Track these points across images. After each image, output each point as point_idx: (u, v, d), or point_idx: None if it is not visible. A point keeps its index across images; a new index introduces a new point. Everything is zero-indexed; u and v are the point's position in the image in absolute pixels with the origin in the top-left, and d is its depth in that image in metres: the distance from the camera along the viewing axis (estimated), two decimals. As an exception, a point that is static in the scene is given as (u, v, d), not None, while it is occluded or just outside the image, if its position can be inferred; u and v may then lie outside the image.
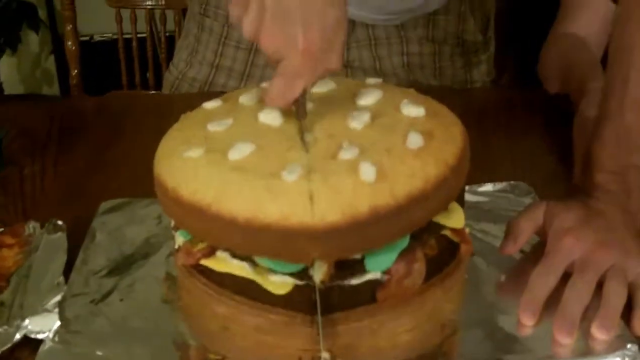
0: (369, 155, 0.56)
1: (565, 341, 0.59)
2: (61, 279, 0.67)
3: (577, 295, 0.62)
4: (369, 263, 0.57)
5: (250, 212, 0.53)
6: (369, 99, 0.64)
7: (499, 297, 0.65)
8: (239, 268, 0.59)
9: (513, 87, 1.31)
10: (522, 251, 0.70)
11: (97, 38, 2.75)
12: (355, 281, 0.58)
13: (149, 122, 0.98)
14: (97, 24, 2.52)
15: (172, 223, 0.65)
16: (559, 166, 0.88)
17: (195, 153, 0.59)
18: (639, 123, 0.72)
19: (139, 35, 1.96)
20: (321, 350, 0.57)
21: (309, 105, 0.63)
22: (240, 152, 0.57)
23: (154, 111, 1.07)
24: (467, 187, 0.68)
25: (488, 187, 0.81)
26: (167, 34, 1.99)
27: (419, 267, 0.58)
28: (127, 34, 1.95)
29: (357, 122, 0.60)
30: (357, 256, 0.57)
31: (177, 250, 0.63)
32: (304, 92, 0.60)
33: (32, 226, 0.76)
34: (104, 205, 0.79)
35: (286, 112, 0.62)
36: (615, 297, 0.62)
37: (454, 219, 0.61)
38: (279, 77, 0.60)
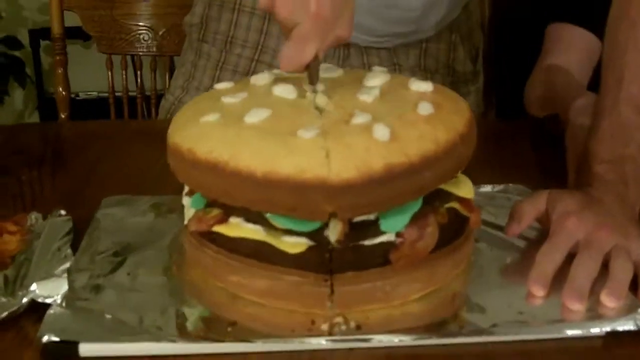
0: (380, 120, 0.58)
1: (576, 307, 0.60)
2: (69, 251, 0.67)
3: (585, 269, 0.63)
4: (383, 223, 0.57)
5: (267, 167, 0.54)
6: (377, 80, 0.66)
7: (505, 277, 0.65)
8: (253, 232, 0.59)
9: (500, 120, 1.35)
10: (526, 238, 0.72)
11: (82, 96, 2.77)
12: (368, 242, 0.58)
13: (140, 141, 1.01)
14: (85, 82, 2.55)
15: (185, 190, 0.65)
16: (549, 175, 0.90)
17: (211, 118, 0.60)
18: (633, 117, 0.75)
19: (130, 93, 1.97)
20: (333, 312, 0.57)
21: (320, 87, 0.64)
22: (256, 116, 0.59)
23: (145, 132, 1.10)
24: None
25: (487, 188, 0.83)
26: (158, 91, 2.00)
27: (432, 230, 0.59)
28: (118, 92, 1.96)
29: (367, 96, 0.62)
30: (371, 217, 0.58)
31: (189, 220, 0.63)
32: (316, 58, 0.62)
33: (34, 217, 0.76)
34: (106, 200, 0.80)
35: (299, 88, 0.64)
36: (622, 271, 0.63)
37: (464, 189, 0.63)
38: (291, 41, 0.63)
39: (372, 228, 0.58)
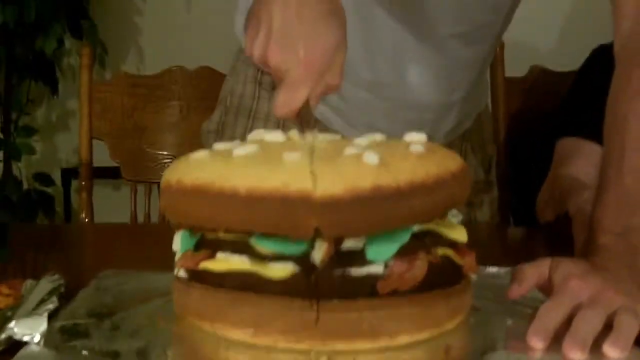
0: (371, 150, 0.58)
1: (577, 356, 0.56)
2: (55, 299, 0.65)
3: (587, 323, 0.60)
4: (370, 251, 0.56)
5: (251, 183, 0.54)
6: (371, 138, 0.66)
7: (505, 339, 0.62)
8: (239, 263, 0.58)
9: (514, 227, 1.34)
10: (530, 307, 0.68)
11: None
12: (355, 272, 0.56)
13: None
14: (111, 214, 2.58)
15: (176, 233, 0.64)
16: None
17: (200, 155, 0.61)
18: (637, 186, 0.73)
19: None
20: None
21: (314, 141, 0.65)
22: (244, 150, 0.59)
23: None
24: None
25: (493, 269, 0.81)
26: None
27: (421, 264, 0.57)
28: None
29: (361, 140, 0.62)
30: (358, 246, 0.56)
31: (178, 259, 0.62)
32: (307, 104, 0.63)
33: (29, 284, 0.75)
34: (102, 273, 0.79)
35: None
36: (628, 325, 0.60)
37: (457, 233, 0.61)
38: (283, 87, 0.65)
39: (359, 256, 0.56)
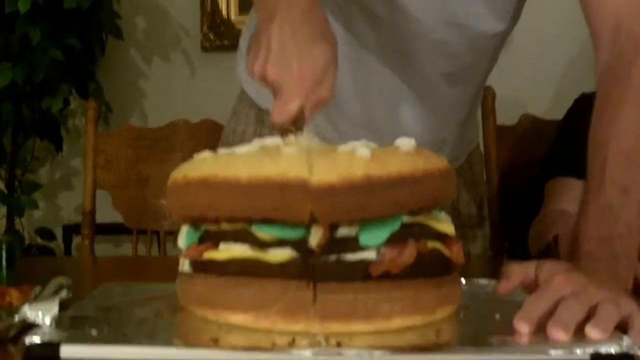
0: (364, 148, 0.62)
1: (560, 336, 0.59)
2: (65, 291, 0.69)
3: (570, 310, 0.63)
4: (362, 237, 0.60)
5: (251, 172, 0.59)
6: (364, 143, 0.71)
7: (492, 327, 0.65)
8: (240, 251, 0.61)
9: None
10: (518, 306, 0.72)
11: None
12: (350, 257, 0.60)
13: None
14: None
15: (181, 230, 0.68)
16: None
17: (204, 154, 0.66)
18: (618, 198, 0.77)
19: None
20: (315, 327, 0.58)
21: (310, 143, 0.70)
22: (245, 149, 0.64)
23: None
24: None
25: (483, 281, 0.84)
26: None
27: (410, 250, 0.60)
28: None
29: (354, 144, 0.67)
30: (352, 233, 0.60)
31: (183, 251, 0.66)
32: (302, 114, 0.71)
33: (38, 289, 0.79)
34: (107, 283, 0.82)
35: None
36: (609, 311, 0.63)
37: (444, 226, 0.65)
38: (278, 98, 0.74)
39: (352, 242, 0.60)
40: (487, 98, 1.57)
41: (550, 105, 2.39)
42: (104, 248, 2.46)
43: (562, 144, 1.37)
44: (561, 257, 0.89)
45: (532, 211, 1.29)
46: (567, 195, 1.24)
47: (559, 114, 1.51)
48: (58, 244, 2.58)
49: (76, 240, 2.56)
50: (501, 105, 1.62)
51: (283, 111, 0.73)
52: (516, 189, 1.52)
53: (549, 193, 1.29)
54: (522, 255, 1.26)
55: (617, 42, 0.87)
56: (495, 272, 1.18)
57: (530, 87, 2.50)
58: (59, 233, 2.59)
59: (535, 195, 1.34)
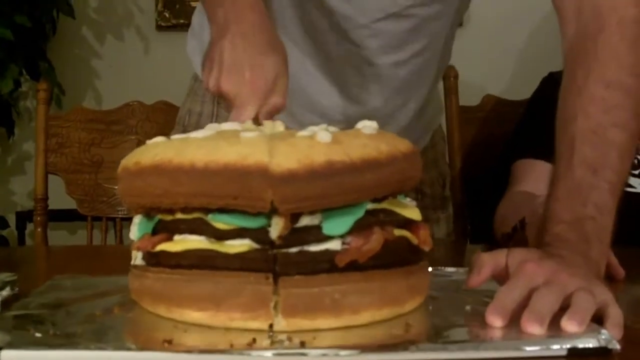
0: (325, 132, 0.59)
1: (535, 330, 0.57)
2: (9, 288, 0.64)
3: (544, 300, 0.61)
4: (326, 226, 0.56)
5: (208, 157, 0.55)
6: (324, 127, 0.67)
7: (464, 318, 0.62)
8: (196, 242, 0.57)
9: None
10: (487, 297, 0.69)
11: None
12: (314, 248, 0.56)
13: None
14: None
15: (133, 220, 0.64)
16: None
17: (157, 139, 0.61)
18: (587, 178, 0.75)
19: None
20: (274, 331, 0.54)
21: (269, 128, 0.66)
22: (201, 133, 0.60)
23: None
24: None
25: (451, 269, 0.81)
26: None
27: (377, 237, 0.57)
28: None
29: (314, 128, 0.63)
30: (315, 222, 0.57)
31: (134, 242, 0.62)
32: (257, 120, 0.72)
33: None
34: (57, 276, 0.78)
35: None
36: (584, 301, 0.60)
37: (411, 212, 0.62)
38: (234, 107, 0.76)
39: (316, 232, 0.56)
40: (449, 78, 1.54)
41: (512, 85, 2.37)
42: (58, 235, 2.39)
43: (528, 125, 1.35)
44: (529, 241, 0.86)
45: (495, 193, 1.27)
46: (533, 178, 1.22)
47: (521, 94, 1.49)
48: (11, 231, 2.50)
49: (30, 227, 2.49)
50: (464, 86, 1.59)
51: (238, 119, 0.74)
52: (479, 171, 1.50)
53: (515, 175, 1.27)
54: (486, 238, 1.23)
55: (582, 17, 0.85)
56: (459, 257, 1.18)
57: (493, 67, 2.48)
58: (12, 220, 2.51)
59: (499, 176, 1.32)
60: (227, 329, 0.56)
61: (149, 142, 0.62)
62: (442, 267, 0.80)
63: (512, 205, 1.17)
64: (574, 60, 0.83)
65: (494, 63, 2.49)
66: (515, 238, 1.06)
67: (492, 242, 1.19)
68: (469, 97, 1.61)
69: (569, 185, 0.75)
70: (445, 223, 1.24)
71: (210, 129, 0.63)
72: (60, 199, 1.78)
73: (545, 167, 1.21)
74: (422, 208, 1.16)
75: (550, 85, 1.33)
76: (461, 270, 0.79)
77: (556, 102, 0.83)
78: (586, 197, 0.74)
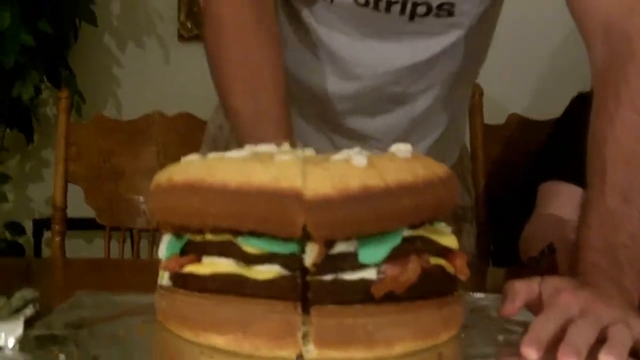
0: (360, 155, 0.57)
1: None
2: (30, 306, 0.63)
3: (581, 333, 0.59)
4: (362, 254, 0.54)
5: (241, 178, 0.53)
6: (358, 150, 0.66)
7: (497, 349, 0.61)
8: (224, 265, 0.56)
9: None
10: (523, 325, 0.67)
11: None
12: (349, 276, 0.55)
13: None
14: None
15: (162, 239, 0.62)
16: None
17: (191, 157, 0.60)
18: (620, 205, 0.74)
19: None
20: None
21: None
22: (236, 153, 0.58)
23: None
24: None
25: (480, 294, 0.79)
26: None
27: (414, 267, 0.55)
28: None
29: (349, 152, 0.62)
30: (350, 249, 0.55)
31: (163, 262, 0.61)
32: None
33: (2, 301, 0.72)
34: (78, 292, 0.76)
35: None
36: (622, 334, 0.59)
37: (448, 240, 0.60)
38: None
39: (351, 259, 0.55)
40: (474, 96, 1.53)
41: (538, 105, 2.34)
42: (76, 244, 2.38)
43: (556, 146, 1.32)
44: (560, 267, 0.84)
45: (519, 213, 1.25)
46: (560, 201, 1.20)
47: (548, 114, 1.47)
48: (28, 239, 2.50)
49: (47, 235, 2.48)
50: (489, 104, 1.57)
51: None
52: (502, 191, 1.47)
53: (542, 197, 1.25)
54: (508, 259, 1.21)
55: (610, 42, 0.84)
56: (480, 279, 1.16)
57: (520, 86, 2.46)
58: (28, 226, 2.51)
59: (523, 197, 1.30)
60: (253, 357, 0.55)
61: (183, 159, 0.60)
62: (471, 292, 0.79)
63: (539, 229, 1.15)
64: (604, 86, 0.82)
65: (518, 81, 2.47)
66: (543, 262, 1.04)
67: (514, 264, 1.17)
68: (492, 115, 1.59)
69: (601, 213, 0.74)
70: (467, 238, 1.23)
71: (246, 149, 0.62)
72: (77, 207, 1.77)
73: (572, 190, 1.19)
74: (452, 220, 1.17)
75: (580, 105, 1.31)
76: (491, 296, 0.78)
77: (585, 123, 0.82)
78: (618, 225, 0.73)
